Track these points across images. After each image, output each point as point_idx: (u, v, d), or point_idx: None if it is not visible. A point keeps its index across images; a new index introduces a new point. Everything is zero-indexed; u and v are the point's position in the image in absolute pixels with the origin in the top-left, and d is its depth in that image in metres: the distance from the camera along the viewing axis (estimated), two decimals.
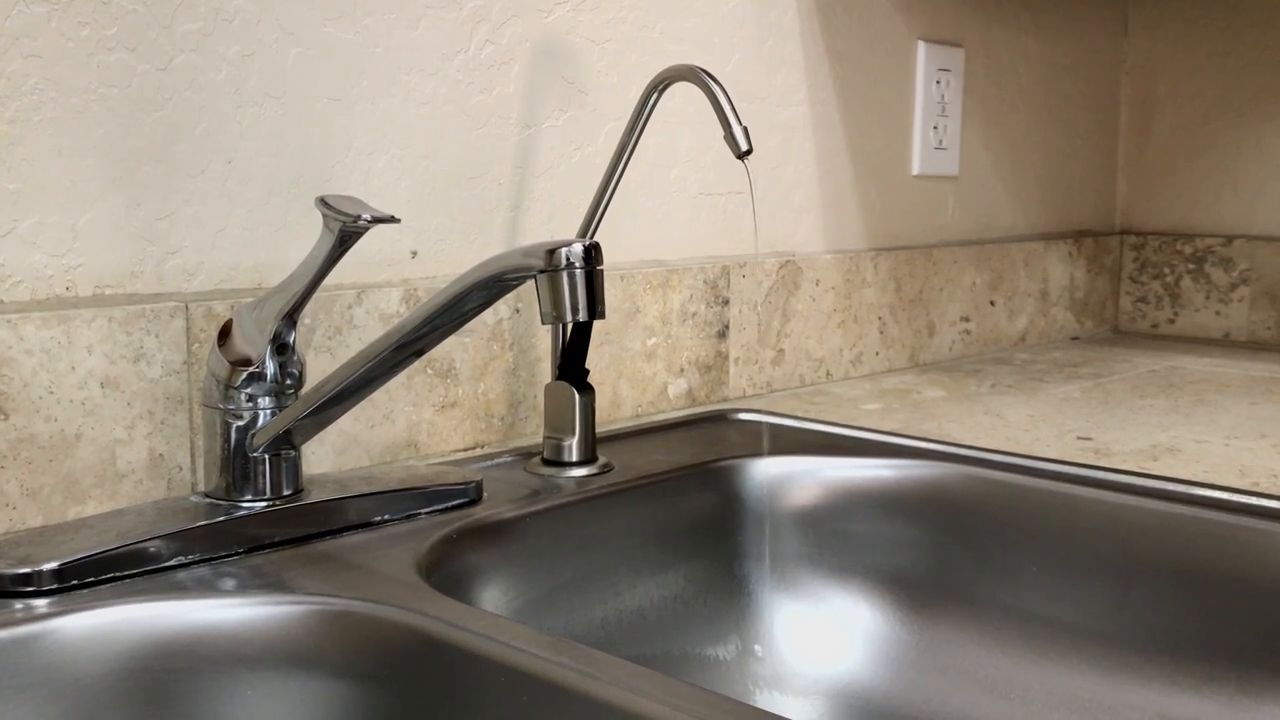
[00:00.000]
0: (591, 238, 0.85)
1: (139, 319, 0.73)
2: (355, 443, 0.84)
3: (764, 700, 0.87)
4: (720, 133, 0.79)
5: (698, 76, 0.78)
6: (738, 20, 1.11)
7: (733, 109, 0.77)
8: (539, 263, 0.62)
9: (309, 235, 0.78)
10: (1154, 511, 0.82)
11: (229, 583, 0.64)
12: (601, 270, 0.64)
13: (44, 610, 0.60)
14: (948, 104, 1.35)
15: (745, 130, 0.77)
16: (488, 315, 0.91)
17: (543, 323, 0.65)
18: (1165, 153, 1.63)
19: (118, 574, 0.63)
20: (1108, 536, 0.83)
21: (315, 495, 0.72)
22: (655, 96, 0.83)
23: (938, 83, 1.33)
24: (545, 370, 0.94)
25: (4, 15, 0.68)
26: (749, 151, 0.77)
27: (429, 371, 0.88)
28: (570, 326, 0.86)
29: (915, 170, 1.33)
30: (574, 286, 0.62)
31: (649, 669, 0.54)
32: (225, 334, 0.70)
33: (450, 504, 0.77)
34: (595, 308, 0.63)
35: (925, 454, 0.93)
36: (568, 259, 0.62)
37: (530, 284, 0.65)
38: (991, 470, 0.89)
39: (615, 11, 1.00)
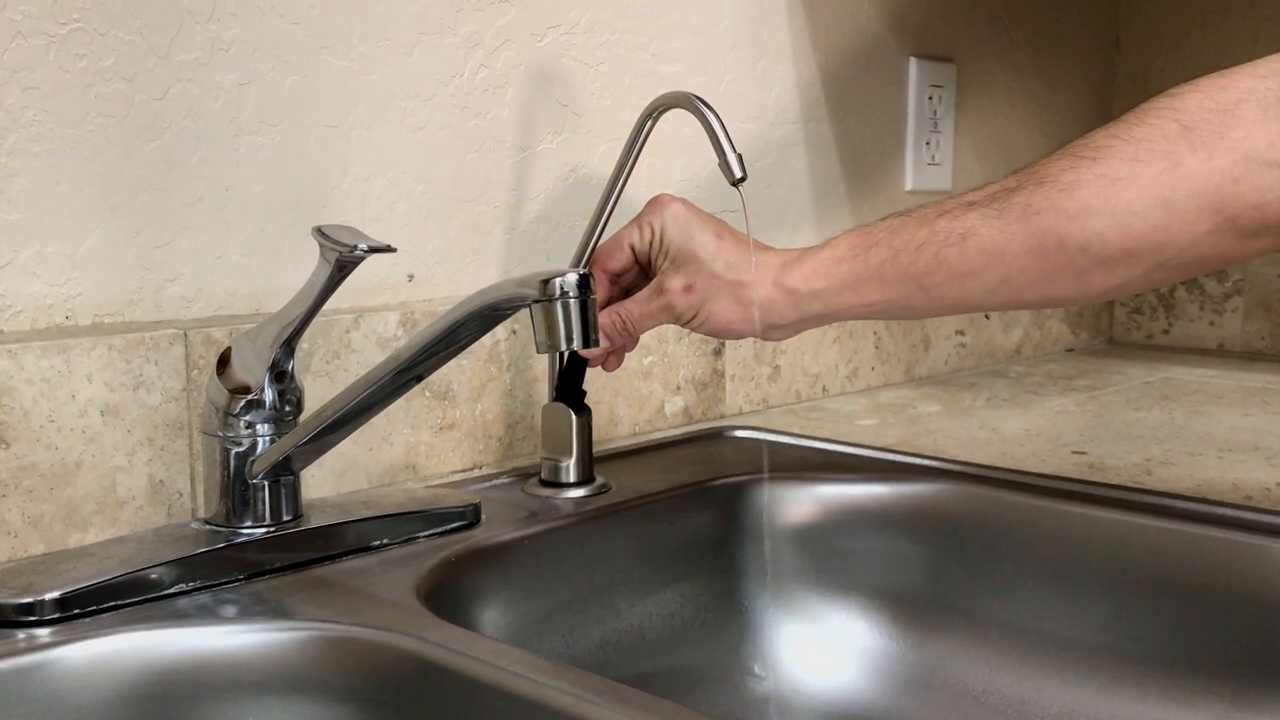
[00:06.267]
0: (587, 264, 0.85)
1: (138, 347, 0.73)
2: (354, 466, 0.84)
3: None
4: (714, 154, 0.80)
5: (692, 104, 0.79)
6: (730, 40, 1.12)
7: (727, 136, 0.77)
8: (533, 292, 0.63)
9: (307, 261, 0.79)
10: (1148, 526, 0.82)
11: (230, 609, 0.65)
12: (595, 299, 0.64)
13: (46, 640, 0.60)
14: (940, 119, 1.36)
15: (740, 157, 0.78)
16: (485, 337, 0.92)
17: (538, 351, 0.65)
18: None
19: (119, 602, 0.64)
20: (1103, 551, 0.83)
21: (315, 520, 0.73)
22: (650, 124, 0.84)
23: (930, 98, 1.34)
24: (542, 391, 0.95)
25: (2, 49, 0.69)
26: (743, 179, 0.77)
27: (427, 394, 0.89)
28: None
29: (909, 186, 1.34)
30: (568, 315, 0.63)
31: (647, 693, 0.55)
32: (224, 362, 0.71)
33: (449, 527, 0.77)
34: (589, 336, 0.63)
35: (921, 470, 0.94)
36: (562, 288, 0.63)
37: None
38: (987, 486, 0.89)
39: (608, 34, 1.01)
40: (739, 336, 0.81)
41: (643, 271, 0.83)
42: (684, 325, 0.80)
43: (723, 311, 0.78)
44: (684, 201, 0.81)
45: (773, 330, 0.79)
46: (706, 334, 0.81)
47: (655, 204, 0.81)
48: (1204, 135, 0.64)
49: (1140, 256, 0.66)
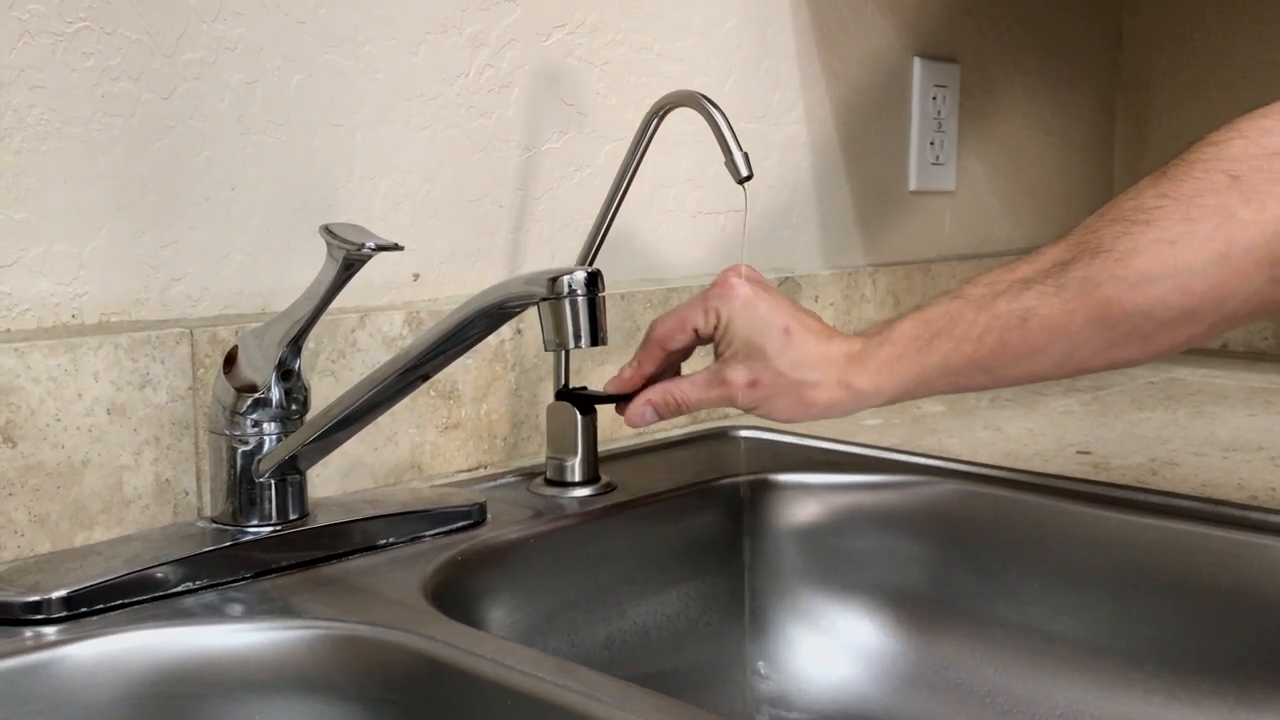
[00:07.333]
0: (593, 262, 0.85)
1: (144, 345, 0.73)
2: (359, 465, 0.84)
3: (767, 719, 0.88)
4: (718, 153, 0.80)
5: (698, 103, 0.79)
6: (735, 40, 1.12)
7: (733, 135, 0.77)
8: (542, 290, 0.63)
9: (313, 260, 0.79)
10: (1153, 526, 0.82)
11: (236, 608, 0.65)
12: (604, 297, 0.64)
13: (53, 638, 0.60)
14: (944, 119, 1.36)
15: (746, 156, 0.78)
16: (490, 337, 0.92)
17: (545, 349, 0.65)
18: (1161, 165, 1.63)
19: (126, 600, 0.64)
20: (1108, 551, 0.83)
21: (321, 519, 0.73)
22: (656, 122, 0.84)
23: (934, 98, 1.34)
24: (547, 390, 0.95)
25: (9, 48, 0.69)
26: (749, 177, 0.78)
27: (432, 393, 0.89)
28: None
29: (912, 186, 1.34)
30: (576, 314, 0.63)
31: (653, 691, 0.55)
32: (231, 361, 0.71)
33: (454, 526, 0.77)
34: (597, 334, 0.63)
35: (926, 470, 0.94)
36: (570, 286, 0.63)
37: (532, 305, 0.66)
38: (992, 486, 0.89)
39: (613, 34, 1.01)
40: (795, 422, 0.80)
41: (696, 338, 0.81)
42: (740, 410, 0.79)
43: (785, 409, 0.77)
44: (753, 285, 0.78)
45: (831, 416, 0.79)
46: (760, 417, 0.80)
47: (723, 287, 0.79)
48: (1254, 184, 0.64)
49: (1203, 314, 0.65)
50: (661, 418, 0.81)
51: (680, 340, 0.80)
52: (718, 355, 0.79)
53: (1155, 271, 0.65)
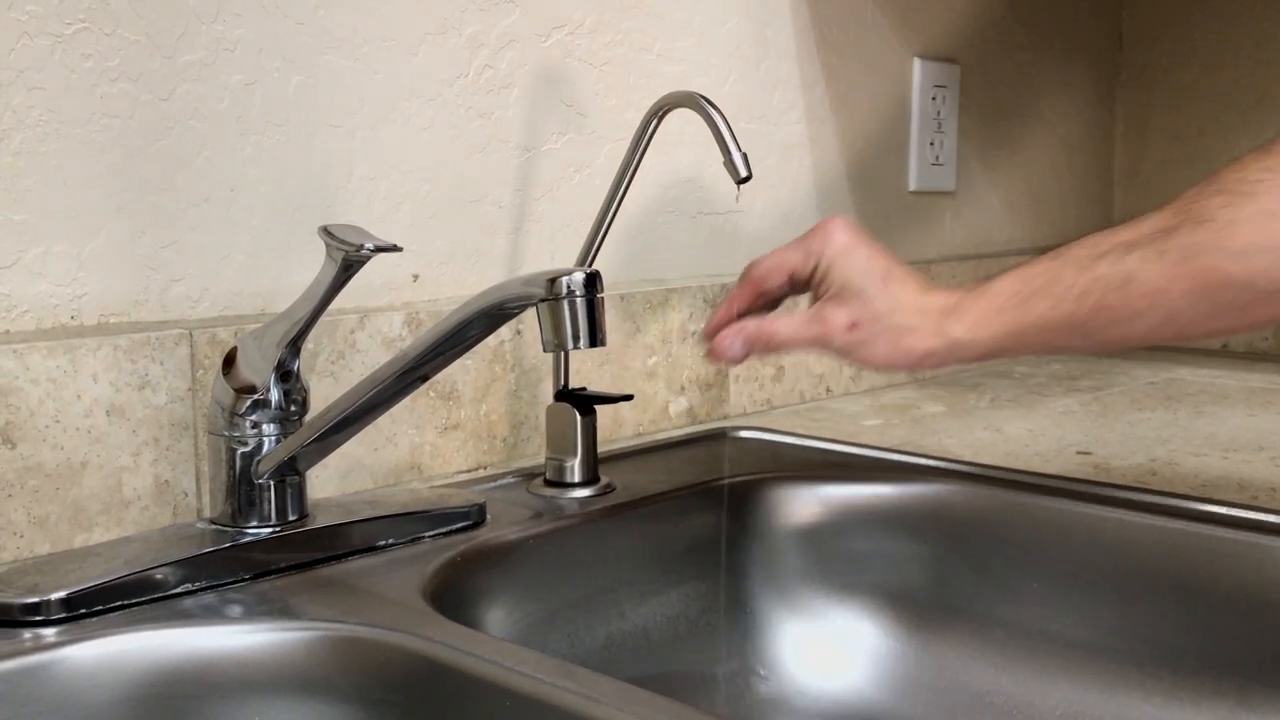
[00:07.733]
0: (592, 263, 0.85)
1: (144, 346, 0.73)
2: (359, 466, 0.84)
3: None
4: (718, 153, 0.80)
5: (698, 104, 0.79)
6: (735, 41, 1.12)
7: (732, 135, 0.77)
8: (540, 291, 0.63)
9: (312, 261, 0.79)
10: (1153, 526, 0.82)
11: (236, 609, 0.65)
12: (602, 298, 0.64)
13: (52, 639, 0.60)
14: (944, 120, 1.36)
15: (745, 156, 0.78)
16: (489, 337, 0.92)
17: (544, 350, 0.66)
18: (1161, 165, 1.64)
19: (125, 602, 0.64)
20: (1108, 551, 0.83)
21: (320, 520, 0.73)
22: (655, 123, 0.84)
23: (934, 99, 1.34)
24: (547, 391, 0.95)
25: (8, 49, 0.69)
26: (748, 178, 0.78)
27: (431, 394, 0.89)
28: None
29: (912, 186, 1.34)
30: (575, 315, 0.63)
31: (653, 692, 0.55)
32: (230, 362, 0.71)
33: (454, 527, 0.77)
34: (596, 335, 0.63)
35: (926, 470, 0.94)
36: (568, 287, 0.63)
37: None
38: (992, 487, 0.89)
39: (612, 35, 1.01)
40: (886, 371, 0.79)
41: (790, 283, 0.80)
42: (833, 355, 0.78)
43: (882, 354, 0.76)
44: (851, 232, 0.78)
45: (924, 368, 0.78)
46: (852, 364, 0.79)
47: (822, 231, 0.78)
48: None
49: None
50: (750, 352, 0.79)
51: (776, 280, 0.79)
52: (816, 298, 0.78)
53: (1260, 243, 0.65)
